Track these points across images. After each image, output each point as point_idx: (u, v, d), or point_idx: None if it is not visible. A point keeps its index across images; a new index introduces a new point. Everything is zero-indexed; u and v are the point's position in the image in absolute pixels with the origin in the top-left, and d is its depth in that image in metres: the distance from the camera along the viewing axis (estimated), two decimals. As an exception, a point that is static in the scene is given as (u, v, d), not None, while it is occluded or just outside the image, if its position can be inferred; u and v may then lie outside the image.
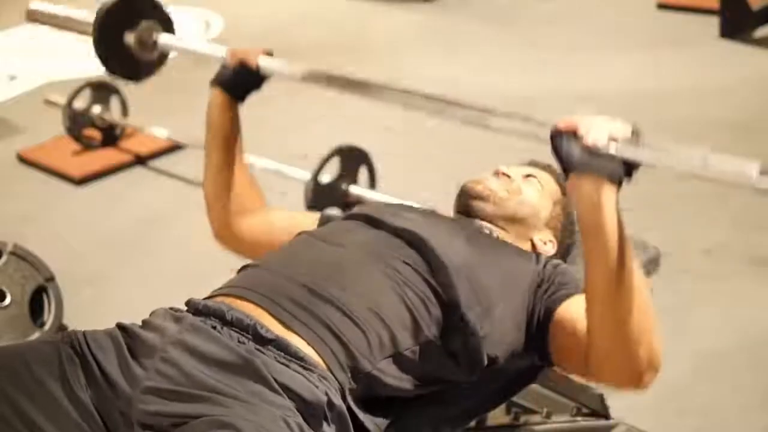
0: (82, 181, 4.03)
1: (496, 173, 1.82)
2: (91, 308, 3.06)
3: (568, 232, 1.85)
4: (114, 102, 4.22)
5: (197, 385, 1.36)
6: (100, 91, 4.19)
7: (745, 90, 4.42)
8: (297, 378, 1.38)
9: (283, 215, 1.91)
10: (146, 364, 1.41)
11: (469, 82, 4.84)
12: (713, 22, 5.13)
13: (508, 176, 1.81)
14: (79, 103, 4.17)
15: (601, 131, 1.36)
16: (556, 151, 1.39)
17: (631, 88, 4.61)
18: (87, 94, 4.18)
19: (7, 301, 2.80)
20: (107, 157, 4.18)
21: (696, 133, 3.99)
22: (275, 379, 1.37)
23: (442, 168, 3.82)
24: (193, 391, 1.36)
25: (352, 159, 3.43)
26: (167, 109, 4.54)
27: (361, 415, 1.46)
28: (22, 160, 4.27)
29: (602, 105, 4.49)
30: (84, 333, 1.47)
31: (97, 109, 4.17)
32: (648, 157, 1.34)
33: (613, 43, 5.24)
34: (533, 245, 1.79)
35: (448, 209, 1.84)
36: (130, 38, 1.94)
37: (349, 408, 1.44)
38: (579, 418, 2.11)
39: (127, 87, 4.27)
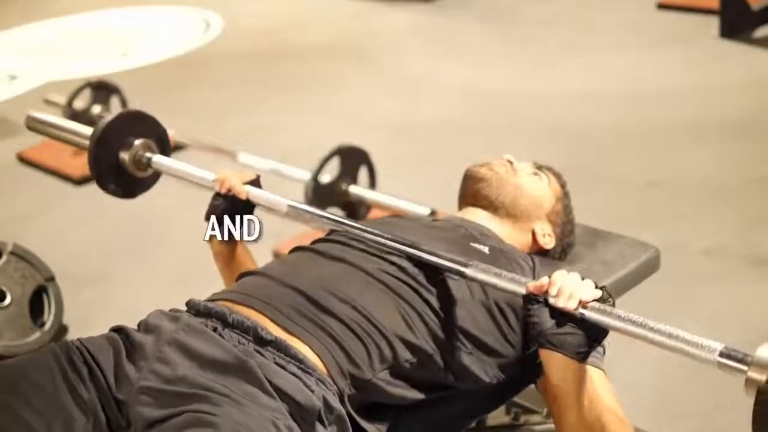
0: (82, 181, 4.02)
1: (501, 159, 1.86)
2: (91, 308, 3.06)
3: (568, 230, 1.88)
4: (114, 102, 4.22)
5: (190, 385, 1.36)
6: (100, 91, 4.19)
7: (745, 90, 4.43)
8: (292, 381, 1.38)
9: None
10: (142, 365, 1.41)
11: (468, 82, 4.85)
12: (713, 22, 5.13)
13: (511, 162, 1.85)
14: (79, 103, 4.16)
15: (572, 296, 1.37)
16: (528, 315, 1.41)
17: (631, 88, 4.61)
18: (87, 94, 4.18)
19: (7, 301, 2.79)
20: (107, 157, 4.17)
21: (696, 133, 3.99)
22: (269, 381, 1.37)
23: (442, 168, 3.83)
24: (186, 390, 1.35)
25: (352, 159, 3.43)
26: (167, 109, 4.54)
27: (361, 421, 1.46)
28: (22, 160, 4.28)
29: (602, 105, 4.51)
30: (80, 339, 1.47)
31: (97, 109, 4.17)
32: (616, 325, 1.34)
33: (613, 43, 5.25)
34: (534, 235, 1.83)
35: (447, 209, 1.84)
36: (125, 156, 1.95)
37: (348, 413, 1.44)
38: (579, 418, 2.11)
39: (127, 87, 4.28)
